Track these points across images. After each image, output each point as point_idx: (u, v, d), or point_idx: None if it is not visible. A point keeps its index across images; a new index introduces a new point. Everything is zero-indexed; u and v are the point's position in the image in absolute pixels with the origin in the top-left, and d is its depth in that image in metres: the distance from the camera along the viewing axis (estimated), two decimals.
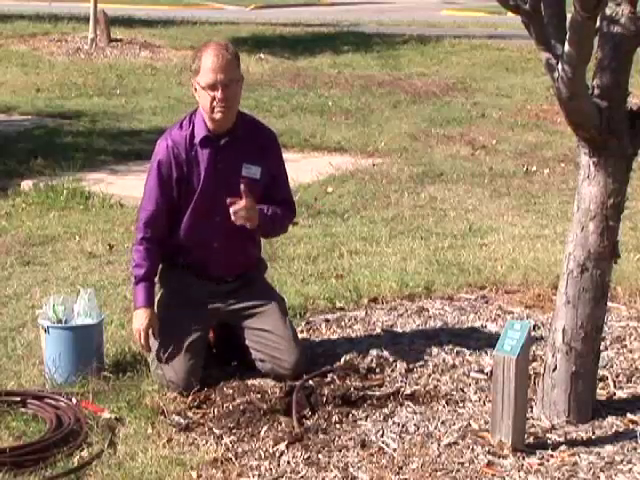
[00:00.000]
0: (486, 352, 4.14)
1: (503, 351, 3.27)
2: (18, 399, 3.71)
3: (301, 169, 8.12)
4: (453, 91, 12.72)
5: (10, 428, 3.52)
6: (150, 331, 3.88)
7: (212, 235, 3.91)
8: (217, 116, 3.81)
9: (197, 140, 3.86)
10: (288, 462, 3.30)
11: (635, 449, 3.35)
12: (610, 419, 3.55)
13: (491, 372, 3.58)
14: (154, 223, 3.91)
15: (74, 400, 3.68)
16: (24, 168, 7.98)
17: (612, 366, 4.02)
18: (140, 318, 3.89)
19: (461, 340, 4.33)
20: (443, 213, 6.84)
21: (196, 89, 3.84)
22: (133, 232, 4.11)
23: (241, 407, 3.66)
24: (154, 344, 3.92)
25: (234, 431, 3.51)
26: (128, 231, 5.96)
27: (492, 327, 4.50)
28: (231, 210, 3.77)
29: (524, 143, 9.49)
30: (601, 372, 3.78)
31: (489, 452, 3.31)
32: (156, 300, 4.07)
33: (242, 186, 3.77)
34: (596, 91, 3.25)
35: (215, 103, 3.76)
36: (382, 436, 3.46)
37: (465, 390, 3.81)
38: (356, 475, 3.21)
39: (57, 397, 3.73)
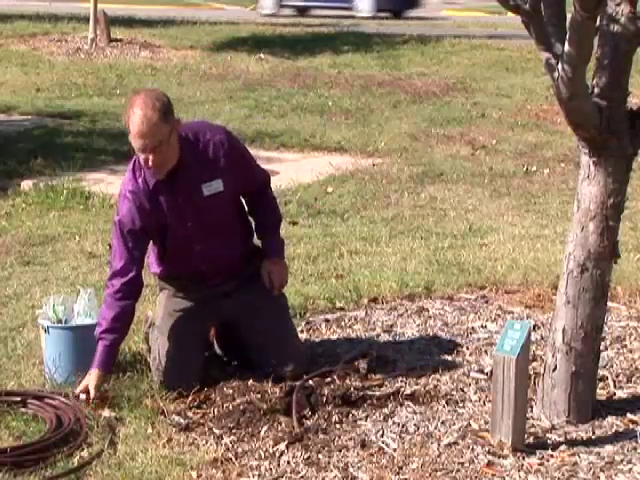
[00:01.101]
0: (486, 352, 4.14)
1: (503, 351, 3.27)
2: (18, 399, 3.71)
3: (301, 169, 8.13)
4: (453, 91, 12.72)
5: (10, 428, 3.52)
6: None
7: (198, 261, 3.89)
8: (155, 174, 3.73)
9: (151, 186, 3.77)
10: (288, 462, 3.30)
11: (635, 449, 3.34)
12: (610, 419, 3.55)
13: (491, 372, 3.58)
14: (123, 276, 3.80)
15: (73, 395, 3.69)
16: (24, 168, 7.99)
17: (612, 366, 4.02)
18: (93, 378, 3.72)
19: (461, 340, 4.34)
20: (443, 213, 6.84)
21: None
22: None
23: (241, 407, 3.66)
24: (154, 344, 3.92)
25: (234, 431, 3.51)
26: None
27: (492, 327, 4.50)
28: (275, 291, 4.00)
29: (524, 143, 9.49)
30: (601, 372, 3.78)
31: (489, 452, 3.31)
32: (156, 300, 4.08)
33: (265, 280, 3.97)
34: (596, 91, 3.25)
35: (150, 164, 3.67)
36: (382, 436, 3.46)
37: (465, 390, 3.81)
38: (356, 475, 3.21)
39: (57, 397, 3.73)
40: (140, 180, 3.77)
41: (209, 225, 3.84)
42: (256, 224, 4.06)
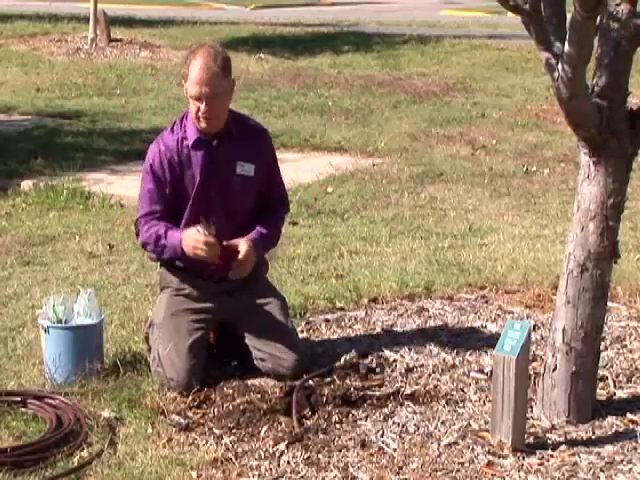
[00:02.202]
0: (486, 352, 4.14)
1: (503, 351, 3.27)
2: (18, 399, 3.71)
3: (301, 169, 8.12)
4: (453, 91, 12.72)
5: (10, 428, 3.52)
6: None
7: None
8: (202, 125, 3.83)
9: (190, 143, 3.86)
10: (288, 462, 3.30)
11: (635, 449, 3.35)
12: (610, 419, 3.55)
13: (491, 372, 3.58)
14: (153, 218, 3.90)
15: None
16: (24, 168, 7.98)
17: (612, 366, 4.02)
18: (188, 242, 3.76)
19: (461, 340, 4.34)
20: (443, 213, 6.84)
21: (186, 93, 3.85)
22: (134, 230, 4.08)
23: (241, 407, 3.66)
24: (154, 344, 3.92)
25: (234, 431, 3.51)
26: (128, 231, 5.96)
27: (492, 327, 4.50)
28: (231, 275, 3.86)
29: (524, 143, 9.49)
30: (601, 372, 3.78)
31: (489, 452, 3.31)
32: (156, 300, 4.08)
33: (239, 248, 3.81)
34: (596, 91, 3.25)
35: (200, 114, 3.78)
36: (382, 436, 3.46)
37: (465, 390, 3.81)
38: (356, 475, 3.21)
39: (57, 397, 3.73)
40: (177, 137, 3.86)
41: (230, 202, 3.90)
42: (255, 226, 4.00)
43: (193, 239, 3.75)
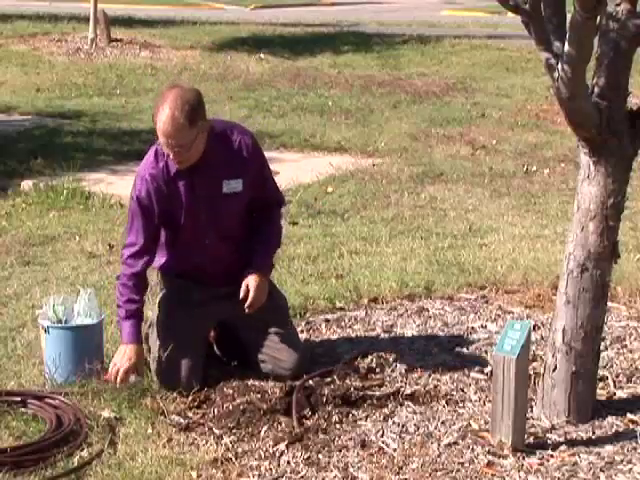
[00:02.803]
0: (486, 352, 4.14)
1: (503, 351, 3.27)
2: (18, 399, 3.71)
3: (301, 169, 8.13)
4: (453, 91, 12.71)
5: (10, 428, 3.52)
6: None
7: (204, 257, 3.90)
8: (178, 166, 3.76)
9: (171, 173, 3.79)
10: (288, 462, 3.30)
11: (635, 449, 3.35)
12: (610, 419, 3.55)
13: (491, 372, 3.58)
14: (140, 256, 3.85)
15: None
16: (24, 168, 7.98)
17: (612, 366, 4.02)
18: (125, 355, 3.78)
19: (461, 340, 4.34)
20: (443, 213, 6.84)
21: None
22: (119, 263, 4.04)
23: (241, 407, 3.66)
24: (154, 344, 3.92)
25: (234, 431, 3.51)
26: None
27: (492, 327, 4.50)
28: (246, 309, 3.85)
29: (524, 143, 9.49)
30: (601, 372, 3.78)
31: (489, 452, 3.31)
32: (157, 300, 4.08)
33: (242, 290, 3.83)
34: (596, 91, 3.25)
35: (172, 157, 3.71)
36: (382, 436, 3.46)
37: (465, 390, 3.81)
38: (356, 475, 3.21)
39: (57, 397, 3.73)
40: (161, 164, 3.80)
41: (221, 221, 3.87)
42: (254, 240, 3.98)
43: (117, 366, 3.77)
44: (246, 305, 3.85)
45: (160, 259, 4.00)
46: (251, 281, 3.87)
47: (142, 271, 3.87)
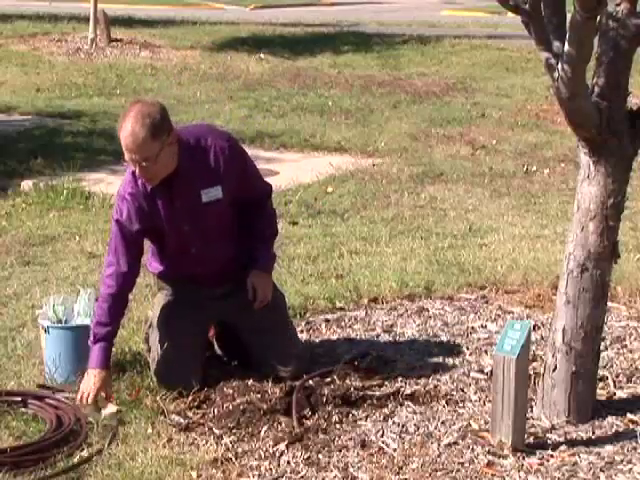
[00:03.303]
0: (486, 352, 4.14)
1: (503, 351, 3.27)
2: (18, 399, 3.71)
3: (301, 169, 8.13)
4: (453, 91, 12.71)
5: (10, 428, 3.52)
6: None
7: (194, 263, 3.89)
8: (148, 183, 3.73)
9: (149, 190, 3.75)
10: (288, 462, 3.30)
11: (635, 449, 3.35)
12: (610, 419, 3.55)
13: (491, 372, 3.58)
14: (118, 278, 3.80)
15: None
16: (24, 168, 7.98)
17: (612, 366, 4.02)
18: (91, 379, 3.68)
19: (461, 340, 4.34)
20: (443, 213, 6.84)
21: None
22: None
23: (241, 407, 3.66)
24: (154, 344, 3.92)
25: (234, 431, 3.51)
26: None
27: (492, 327, 4.50)
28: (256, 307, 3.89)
29: (524, 143, 9.49)
30: (601, 372, 3.78)
31: (489, 452, 3.31)
32: (155, 300, 4.08)
33: (249, 290, 3.87)
34: (596, 91, 3.25)
35: (138, 173, 3.67)
36: (382, 436, 3.46)
37: (465, 390, 3.81)
38: (356, 475, 3.21)
39: (57, 397, 3.73)
40: (140, 182, 3.75)
41: (205, 229, 3.83)
42: (250, 235, 3.96)
43: (82, 390, 3.68)
44: (255, 305, 3.89)
45: (155, 265, 4.00)
46: (255, 279, 3.89)
47: (119, 293, 3.79)
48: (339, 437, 3.45)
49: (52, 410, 3.62)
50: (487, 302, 4.87)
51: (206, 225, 3.82)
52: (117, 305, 3.81)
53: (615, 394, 3.78)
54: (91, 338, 3.76)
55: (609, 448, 3.35)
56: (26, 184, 7.41)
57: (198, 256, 3.86)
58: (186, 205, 3.77)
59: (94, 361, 3.72)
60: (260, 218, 3.99)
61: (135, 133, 3.55)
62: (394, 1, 31.91)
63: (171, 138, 3.65)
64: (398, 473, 3.21)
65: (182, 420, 3.59)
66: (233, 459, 3.32)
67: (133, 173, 3.75)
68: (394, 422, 3.56)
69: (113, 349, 4.10)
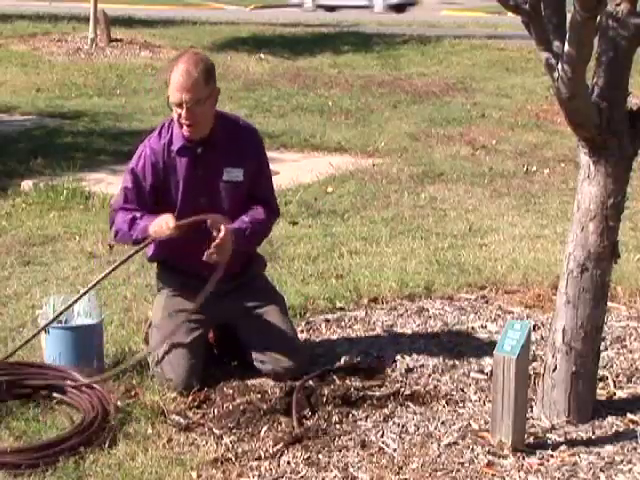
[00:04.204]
0: (486, 352, 4.14)
1: (503, 351, 3.27)
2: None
3: (301, 169, 8.13)
4: (453, 91, 12.72)
5: (10, 429, 3.51)
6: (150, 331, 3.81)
7: (199, 241, 3.83)
8: (185, 133, 3.79)
9: (175, 149, 3.82)
10: (288, 462, 3.30)
11: (635, 449, 3.35)
12: (610, 419, 3.55)
13: (491, 372, 3.58)
14: (125, 211, 3.83)
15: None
16: (24, 168, 7.98)
17: (612, 366, 4.02)
18: (156, 223, 3.68)
19: (461, 340, 4.34)
20: (443, 213, 6.84)
21: (167, 99, 3.80)
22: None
23: (241, 407, 3.66)
24: (154, 343, 3.92)
25: (234, 431, 3.51)
26: None
27: (492, 327, 4.50)
28: (205, 256, 3.69)
29: (524, 143, 9.49)
30: (601, 372, 3.78)
31: (489, 452, 3.31)
32: (155, 301, 4.08)
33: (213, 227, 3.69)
34: (596, 91, 3.25)
35: (181, 120, 3.74)
36: (382, 436, 3.46)
37: (465, 390, 3.81)
38: (356, 475, 3.21)
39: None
40: (164, 141, 3.82)
41: (219, 208, 3.85)
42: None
43: (164, 220, 3.68)
44: (207, 252, 3.69)
45: (156, 251, 3.96)
46: (222, 231, 3.70)
47: (132, 210, 3.80)
48: (339, 437, 3.45)
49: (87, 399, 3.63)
50: (487, 302, 4.87)
51: (221, 203, 3.86)
52: (134, 211, 3.81)
53: (615, 394, 3.78)
54: (137, 222, 3.76)
55: (609, 448, 3.35)
56: (26, 184, 7.41)
57: (205, 234, 3.82)
58: (208, 176, 3.83)
59: (148, 224, 3.71)
60: (256, 215, 3.92)
61: (189, 72, 3.68)
62: None
63: (216, 92, 3.81)
64: (398, 473, 3.21)
65: (182, 420, 3.59)
66: (233, 459, 3.32)
67: (160, 132, 3.85)
68: (394, 422, 3.56)
69: (113, 349, 4.11)
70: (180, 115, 3.73)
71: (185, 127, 3.76)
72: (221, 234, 3.69)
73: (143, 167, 3.83)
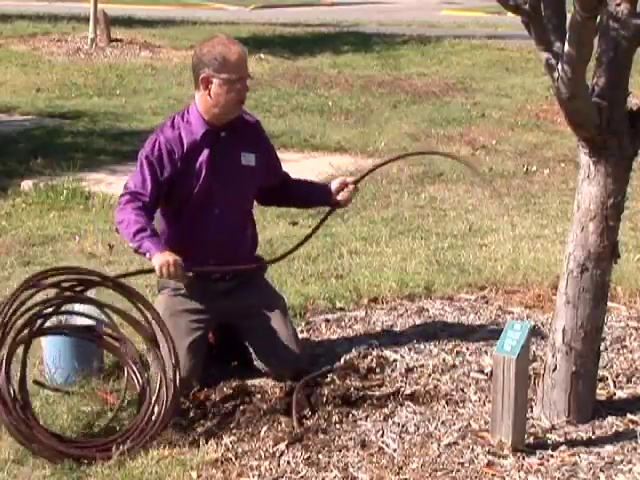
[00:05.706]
0: (486, 352, 4.14)
1: (503, 351, 3.27)
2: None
3: (301, 169, 8.11)
4: (453, 91, 12.71)
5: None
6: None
7: (210, 227, 3.88)
8: (237, 109, 3.89)
9: (197, 136, 3.85)
10: (288, 462, 3.30)
11: (635, 449, 3.35)
12: (610, 419, 3.55)
13: (491, 372, 3.58)
14: (138, 200, 3.77)
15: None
16: (24, 168, 7.98)
17: (612, 366, 4.02)
18: (164, 256, 3.63)
19: (461, 340, 4.33)
20: (443, 213, 6.84)
21: (210, 84, 3.80)
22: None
23: (241, 407, 3.66)
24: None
25: (234, 431, 3.51)
26: None
27: (492, 327, 4.50)
28: (342, 196, 4.10)
29: (524, 143, 9.48)
30: (601, 372, 3.78)
31: (489, 452, 3.31)
32: (156, 301, 4.07)
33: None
34: (596, 91, 3.25)
35: (240, 96, 3.83)
36: (382, 436, 3.46)
37: (465, 390, 3.81)
38: (356, 475, 3.21)
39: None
40: (179, 132, 3.86)
41: (234, 193, 3.91)
42: (295, 195, 4.22)
43: (163, 262, 3.62)
44: (341, 196, 4.11)
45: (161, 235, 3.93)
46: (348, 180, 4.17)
47: (144, 206, 3.75)
48: (339, 437, 3.45)
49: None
50: (487, 302, 4.87)
51: (236, 189, 3.91)
52: (147, 214, 3.76)
53: (615, 394, 3.78)
54: (133, 238, 3.68)
55: (609, 448, 3.35)
56: (26, 184, 7.41)
57: (217, 219, 3.87)
58: (226, 161, 3.90)
59: (153, 248, 3.66)
60: (296, 183, 4.24)
61: (243, 50, 3.84)
62: (394, 1, 31.92)
63: None
64: (398, 473, 3.21)
65: (182, 420, 3.59)
66: (233, 459, 3.32)
67: (172, 124, 3.88)
68: (394, 422, 3.56)
69: None
70: (238, 91, 3.80)
71: (238, 102, 3.84)
72: (350, 183, 4.12)
73: (160, 154, 3.83)
